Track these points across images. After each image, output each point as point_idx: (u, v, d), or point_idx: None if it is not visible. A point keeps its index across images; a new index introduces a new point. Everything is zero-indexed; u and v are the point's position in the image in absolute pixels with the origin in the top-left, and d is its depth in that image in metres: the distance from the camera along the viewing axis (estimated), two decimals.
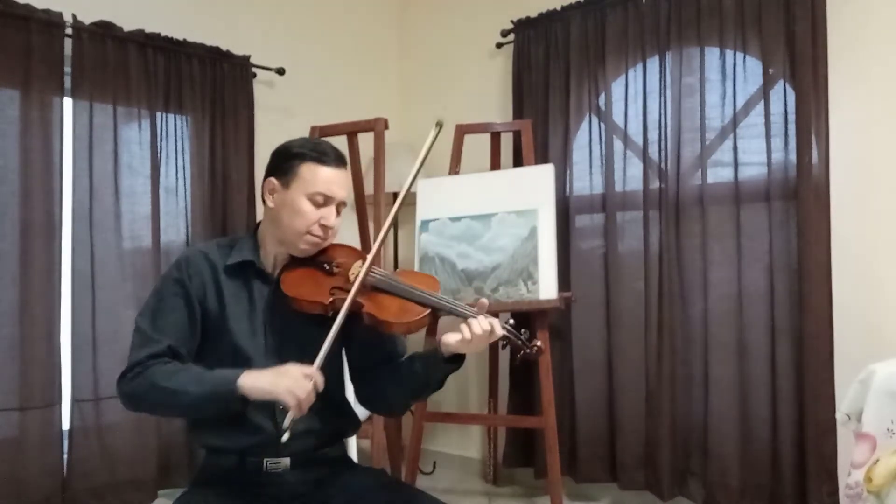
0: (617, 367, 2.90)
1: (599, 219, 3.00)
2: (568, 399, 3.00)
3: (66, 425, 2.64)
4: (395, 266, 3.60)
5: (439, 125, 1.54)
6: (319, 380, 1.40)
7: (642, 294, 2.85)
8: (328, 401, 1.56)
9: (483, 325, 1.44)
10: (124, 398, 1.49)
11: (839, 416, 1.96)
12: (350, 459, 1.70)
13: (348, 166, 1.60)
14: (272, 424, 1.51)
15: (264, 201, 1.59)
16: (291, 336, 1.56)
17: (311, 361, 1.49)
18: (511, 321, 1.50)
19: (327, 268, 1.56)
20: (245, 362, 1.51)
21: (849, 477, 1.87)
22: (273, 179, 1.57)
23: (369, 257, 1.53)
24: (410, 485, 2.71)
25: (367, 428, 2.83)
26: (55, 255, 2.62)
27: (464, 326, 1.45)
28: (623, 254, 2.93)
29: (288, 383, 1.37)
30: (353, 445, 1.77)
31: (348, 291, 1.48)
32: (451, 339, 1.47)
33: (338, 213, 1.58)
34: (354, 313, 1.49)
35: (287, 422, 1.38)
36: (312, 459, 1.55)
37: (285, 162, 1.56)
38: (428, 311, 1.49)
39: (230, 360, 1.52)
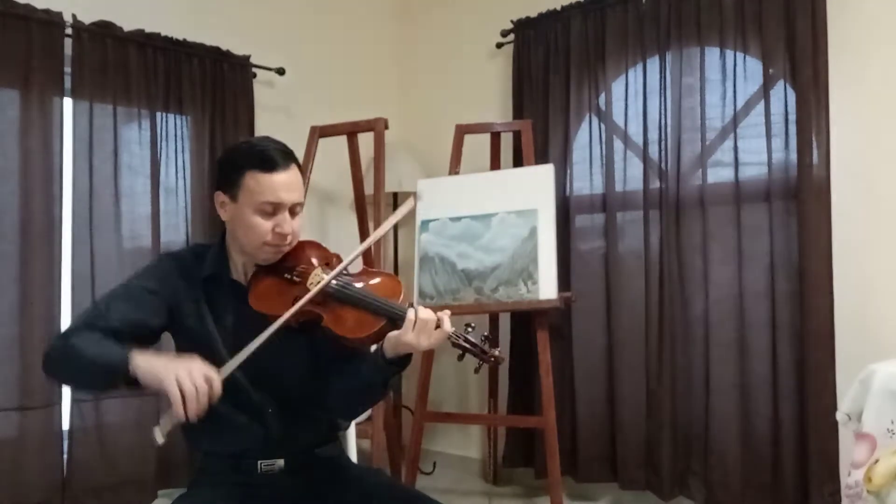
0: (617, 366, 2.90)
1: (599, 219, 3.00)
2: (568, 399, 3.00)
3: (65, 425, 2.64)
4: (395, 265, 3.59)
5: (415, 199, 1.52)
6: (217, 388, 1.29)
7: (642, 294, 2.85)
8: (313, 399, 1.54)
9: (424, 314, 1.36)
10: (44, 357, 1.41)
11: (839, 416, 1.96)
12: (347, 459, 1.69)
13: (297, 163, 1.50)
14: (262, 428, 1.50)
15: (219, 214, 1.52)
16: (267, 344, 1.47)
17: (292, 365, 1.48)
18: (470, 327, 1.43)
19: (288, 277, 1.50)
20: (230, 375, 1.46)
21: (849, 477, 1.87)
22: (221, 193, 1.49)
23: (333, 273, 1.46)
24: (409, 485, 2.72)
25: (367, 428, 2.83)
26: (55, 255, 2.62)
27: (409, 313, 1.36)
28: (623, 254, 2.93)
29: (181, 373, 1.25)
30: (352, 445, 1.77)
31: (309, 302, 1.42)
32: (392, 335, 1.39)
33: (294, 214, 1.49)
34: (314, 323, 1.45)
35: (165, 420, 1.27)
36: (308, 460, 1.55)
37: (230, 174, 1.47)
38: (384, 321, 1.41)
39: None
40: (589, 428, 2.96)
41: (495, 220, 2.84)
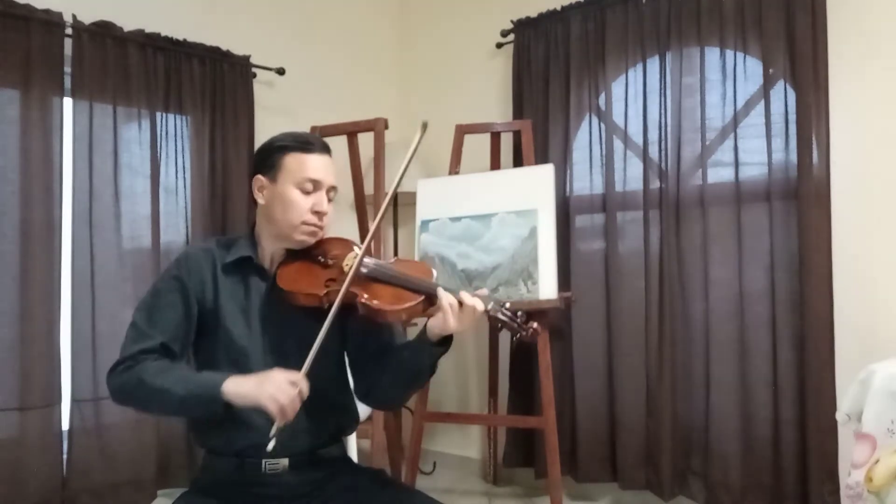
0: (617, 366, 2.90)
1: (600, 219, 3.00)
2: (568, 399, 3.00)
3: (65, 425, 2.63)
4: None
5: (424, 126, 1.56)
6: (305, 387, 1.39)
7: (642, 294, 2.85)
8: (328, 401, 1.56)
9: (464, 297, 1.42)
10: (113, 392, 1.48)
11: (839, 416, 1.96)
12: (349, 459, 1.69)
13: (332, 154, 1.60)
14: (269, 426, 1.50)
15: (255, 200, 1.59)
16: (290, 332, 1.55)
17: (314, 368, 1.48)
18: (507, 304, 1.47)
19: (322, 260, 1.56)
20: (243, 359, 1.52)
21: (849, 477, 1.87)
22: (260, 176, 1.57)
23: (363, 247, 1.53)
24: (409, 485, 2.72)
25: (367, 428, 2.83)
26: (55, 255, 2.62)
27: (445, 302, 1.42)
28: (623, 254, 2.93)
29: (271, 390, 1.36)
30: (352, 445, 1.77)
31: (343, 282, 1.48)
32: (435, 320, 1.45)
33: (329, 199, 1.58)
34: (349, 305, 1.49)
35: (273, 430, 1.38)
36: (311, 460, 1.55)
37: (270, 157, 1.57)
38: (422, 297, 1.47)
39: (228, 356, 1.53)
40: (589, 428, 2.96)
41: (495, 220, 2.84)
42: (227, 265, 1.57)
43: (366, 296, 1.47)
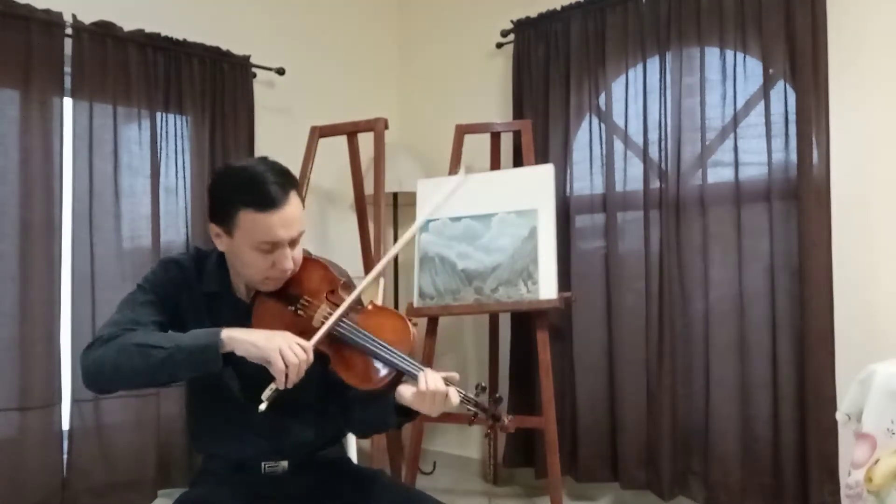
0: (617, 366, 2.89)
1: (600, 219, 3.00)
2: (568, 399, 3.00)
3: (65, 425, 2.63)
4: (395, 265, 3.59)
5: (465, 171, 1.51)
6: (311, 357, 1.33)
7: (643, 294, 2.85)
8: (323, 406, 1.55)
9: (436, 384, 1.33)
10: (86, 369, 1.34)
11: (839, 416, 1.96)
12: (349, 460, 1.69)
13: (295, 188, 1.41)
14: (266, 440, 1.50)
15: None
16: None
17: (303, 392, 1.42)
18: (481, 386, 1.43)
19: (292, 309, 1.45)
20: (225, 389, 1.48)
21: (849, 477, 1.87)
22: (214, 226, 1.42)
23: (337, 312, 1.41)
24: (410, 485, 2.72)
25: None
26: (55, 255, 2.62)
27: (420, 378, 1.34)
28: (623, 254, 2.93)
29: (281, 343, 1.29)
30: (352, 446, 1.77)
31: (314, 335, 1.38)
32: (406, 391, 1.37)
33: (294, 245, 1.43)
34: (323, 357, 1.41)
35: (268, 392, 1.32)
36: (311, 461, 1.55)
37: (223, 207, 1.39)
38: (395, 373, 1.38)
39: (204, 379, 1.44)
40: (589, 428, 2.96)
41: (495, 220, 2.84)
42: (202, 294, 1.49)
43: (337, 363, 1.40)
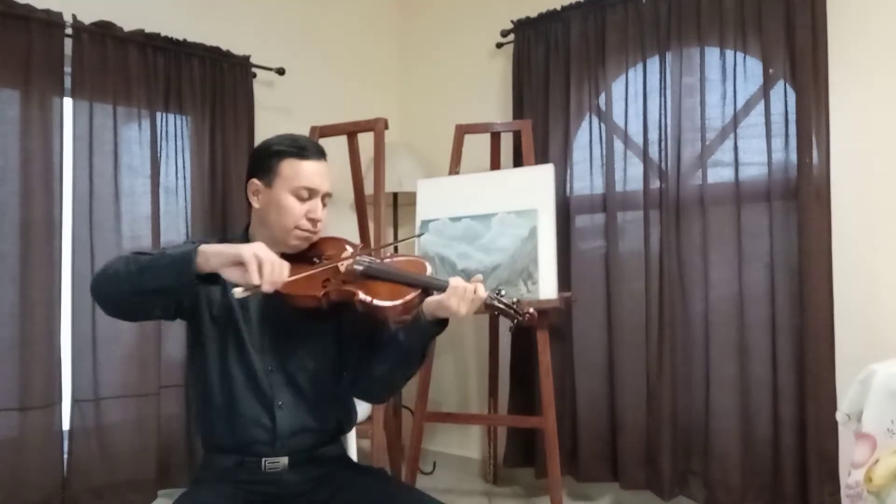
0: (617, 366, 2.90)
1: (600, 219, 3.00)
2: (568, 399, 3.00)
3: (66, 425, 2.63)
4: None
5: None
6: (287, 271, 1.35)
7: (643, 294, 2.85)
8: (327, 396, 1.56)
9: (462, 282, 1.44)
10: (96, 287, 1.41)
11: (839, 416, 1.96)
12: (349, 459, 1.70)
13: (327, 158, 1.61)
14: (271, 421, 1.51)
15: (250, 203, 1.60)
16: (290, 331, 1.56)
17: (311, 355, 1.54)
18: (503, 291, 1.51)
19: (317, 261, 1.58)
20: (247, 358, 1.53)
21: (849, 477, 1.87)
22: (255, 181, 1.58)
23: (359, 245, 1.58)
24: (410, 484, 2.72)
25: (366, 428, 2.83)
26: (55, 255, 2.62)
27: (450, 281, 1.45)
28: (623, 254, 2.93)
29: (256, 248, 1.32)
30: (352, 444, 1.77)
31: (340, 282, 1.50)
32: (432, 301, 1.47)
33: (323, 205, 1.59)
34: (347, 303, 1.50)
35: (242, 288, 1.32)
36: (311, 459, 1.55)
37: (265, 161, 1.57)
38: (418, 291, 1.50)
39: (229, 357, 1.53)
40: (589, 428, 2.96)
41: (495, 220, 2.84)
42: None
43: (362, 293, 1.49)
